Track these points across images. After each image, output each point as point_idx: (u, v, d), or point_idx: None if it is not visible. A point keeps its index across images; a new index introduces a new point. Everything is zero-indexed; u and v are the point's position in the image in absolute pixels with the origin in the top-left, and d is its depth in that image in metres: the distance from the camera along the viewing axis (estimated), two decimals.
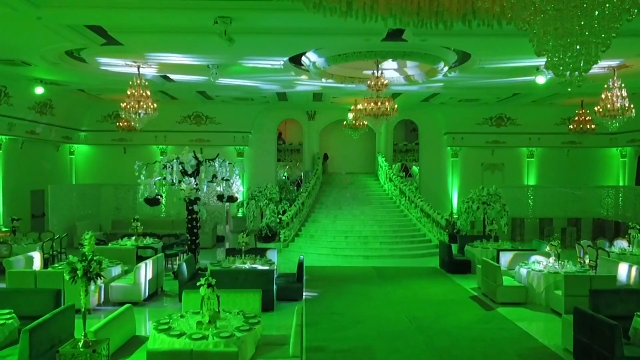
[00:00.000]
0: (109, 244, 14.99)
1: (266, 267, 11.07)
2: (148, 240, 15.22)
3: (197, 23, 10.00)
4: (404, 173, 28.61)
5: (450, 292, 12.43)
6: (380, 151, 24.58)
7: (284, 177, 27.78)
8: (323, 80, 14.98)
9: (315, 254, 17.49)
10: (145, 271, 11.28)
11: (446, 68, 13.74)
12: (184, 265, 11.29)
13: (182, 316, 7.31)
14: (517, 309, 10.91)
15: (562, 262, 11.49)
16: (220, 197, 13.71)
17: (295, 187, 26.10)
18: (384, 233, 18.89)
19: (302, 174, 25.56)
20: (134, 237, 15.16)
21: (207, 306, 7.14)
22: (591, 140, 22.51)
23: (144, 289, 11.09)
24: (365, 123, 19.63)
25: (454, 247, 16.03)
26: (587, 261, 13.46)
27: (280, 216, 18.23)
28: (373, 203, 21.47)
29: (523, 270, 11.68)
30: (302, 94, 19.94)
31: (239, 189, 13.59)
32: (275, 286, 10.99)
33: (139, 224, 15.33)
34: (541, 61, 12.40)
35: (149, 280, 11.41)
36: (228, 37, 9.58)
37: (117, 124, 20.38)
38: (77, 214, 20.37)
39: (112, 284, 10.89)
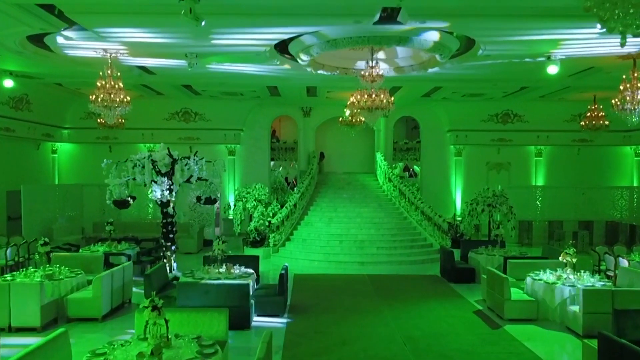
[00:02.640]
0: (81, 250, 13.80)
1: (242, 280, 9.79)
2: (123, 246, 14.00)
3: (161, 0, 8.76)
4: (406, 173, 27.33)
5: (452, 306, 11.12)
6: (379, 150, 23.28)
7: (281, 178, 26.47)
8: (307, 66, 13.60)
9: (306, 260, 16.23)
10: (110, 282, 10.06)
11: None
12: (152, 275, 10.05)
13: (122, 345, 6.05)
14: (528, 326, 9.60)
15: (578, 273, 10.18)
16: (198, 199, 12.47)
17: (293, 188, 24.86)
18: (381, 237, 17.59)
19: (297, 173, 24.26)
20: (107, 243, 13.98)
21: (152, 333, 5.89)
22: (603, 138, 21.07)
23: (106, 303, 9.84)
24: (363, 119, 18.37)
25: (457, 253, 14.73)
26: (613, 273, 12.08)
27: (269, 219, 16.95)
28: (371, 205, 20.16)
29: (534, 282, 10.36)
30: (295, 88, 18.72)
31: (218, 188, 12.29)
32: (253, 300, 9.74)
33: (112, 227, 14.16)
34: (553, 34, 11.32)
35: (113, 293, 10.18)
36: (194, 16, 8.30)
37: (98, 120, 19.18)
38: (56, 216, 19.17)
39: (69, 297, 9.64)
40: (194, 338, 6.33)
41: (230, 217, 20.60)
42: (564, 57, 12.45)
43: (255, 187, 17.85)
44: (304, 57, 12.41)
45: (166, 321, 5.94)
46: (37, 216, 17.96)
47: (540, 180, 22.65)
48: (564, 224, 20.54)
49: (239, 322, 9.04)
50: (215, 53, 12.86)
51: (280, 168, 26.25)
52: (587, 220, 20.84)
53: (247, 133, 22.67)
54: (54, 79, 16.82)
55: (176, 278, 11.81)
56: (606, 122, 18.28)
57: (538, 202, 21.32)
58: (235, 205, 17.76)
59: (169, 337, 6.13)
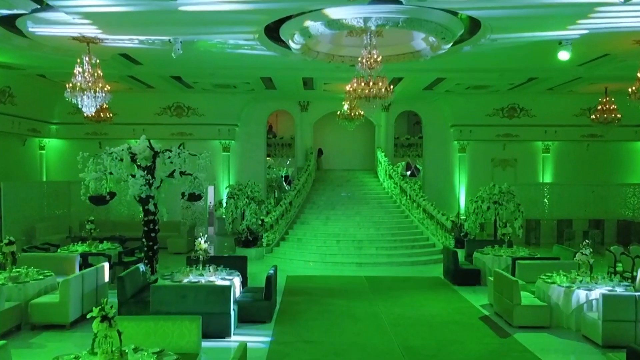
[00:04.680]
0: (59, 250, 12.94)
1: (225, 283, 8.90)
2: (105, 246, 13.13)
3: None
4: (408, 172, 26.41)
5: (456, 311, 10.20)
6: (379, 146, 22.35)
7: (279, 175, 25.56)
8: (300, 54, 12.64)
9: (301, 261, 15.34)
10: (81, 285, 9.20)
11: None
12: (126, 278, 9.17)
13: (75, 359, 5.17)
14: (540, 334, 8.68)
15: (595, 276, 9.25)
16: (182, 195, 11.58)
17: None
18: (381, 236, 16.68)
19: (294, 170, 23.37)
20: (88, 242, 13.11)
21: (102, 348, 5.01)
22: (614, 133, 20.09)
23: (75, 308, 8.96)
24: (362, 113, 17.49)
25: (461, 254, 13.77)
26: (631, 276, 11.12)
27: (262, 217, 16.06)
28: (370, 203, 19.27)
29: (546, 286, 9.43)
30: (290, 80, 17.79)
31: (203, 184, 11.37)
32: (236, 306, 8.84)
33: (93, 226, 13.27)
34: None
35: (85, 297, 9.30)
36: None
37: (84, 114, 18.27)
38: (41, 214, 18.34)
39: (33, 301, 8.76)
40: (155, 352, 5.44)
41: (224, 215, 19.75)
42: (586, 31, 10.98)
43: (247, 183, 16.93)
44: (297, 40, 11.48)
45: (119, 333, 5.07)
46: (20, 215, 17.12)
47: (547, 178, 21.69)
48: (574, 223, 19.60)
49: (219, 330, 8.16)
50: (200, 40, 11.98)
51: (277, 163, 25.31)
52: (597, 219, 19.91)
53: (242, 128, 21.79)
54: (35, 70, 15.95)
55: (156, 281, 10.94)
56: (618, 116, 17.38)
57: (546, 200, 20.41)
58: (226, 203, 16.82)
59: (126, 351, 5.26)
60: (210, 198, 21.42)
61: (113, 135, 21.07)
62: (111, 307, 5.04)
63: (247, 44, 12.36)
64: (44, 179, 21.10)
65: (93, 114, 17.76)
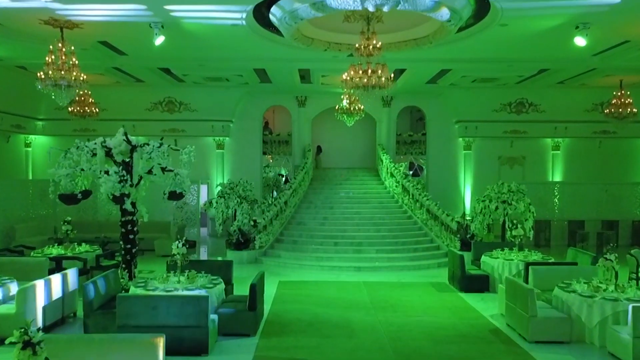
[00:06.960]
0: (32, 253, 11.96)
1: (202, 292, 7.91)
2: (82, 248, 12.16)
3: None
4: (410, 172, 25.36)
5: (463, 323, 9.17)
6: (381, 143, 21.34)
7: (279, 175, 24.51)
8: (293, 40, 11.64)
9: (296, 265, 14.33)
10: (43, 293, 8.23)
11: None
12: (92, 285, 8.19)
13: None
14: (560, 351, 7.65)
15: (621, 284, 8.22)
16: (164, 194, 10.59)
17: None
18: (381, 238, 15.69)
19: (291, 168, 22.35)
20: (64, 244, 12.15)
21: None
22: (628, 130, 19.08)
23: (36, 319, 7.98)
24: (362, 107, 16.52)
25: (467, 257, 12.73)
26: None
27: (254, 218, 15.08)
28: (371, 202, 18.28)
29: (564, 295, 8.40)
30: (285, 72, 16.84)
31: (183, 182, 10.39)
32: (216, 317, 7.85)
33: (70, 227, 12.29)
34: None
35: (48, 307, 8.33)
36: None
37: (69, 109, 17.32)
38: (25, 214, 17.40)
39: None
40: None
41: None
42: None
43: (239, 182, 15.95)
44: (288, 23, 10.50)
45: None
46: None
47: (557, 176, 20.65)
48: (586, 224, 18.55)
49: (195, 345, 7.16)
50: (186, 22, 11.04)
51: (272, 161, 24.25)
52: (610, 220, 18.84)
53: (236, 125, 20.84)
54: (12, 61, 15.03)
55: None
56: (634, 110, 16.38)
57: (556, 200, 19.34)
58: (217, 203, 15.83)
59: None
60: (204, 197, 20.49)
61: (102, 132, 19.63)
62: (38, 330, 4.07)
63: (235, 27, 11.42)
64: (30, 177, 20.19)
65: (78, 109, 17.08)
